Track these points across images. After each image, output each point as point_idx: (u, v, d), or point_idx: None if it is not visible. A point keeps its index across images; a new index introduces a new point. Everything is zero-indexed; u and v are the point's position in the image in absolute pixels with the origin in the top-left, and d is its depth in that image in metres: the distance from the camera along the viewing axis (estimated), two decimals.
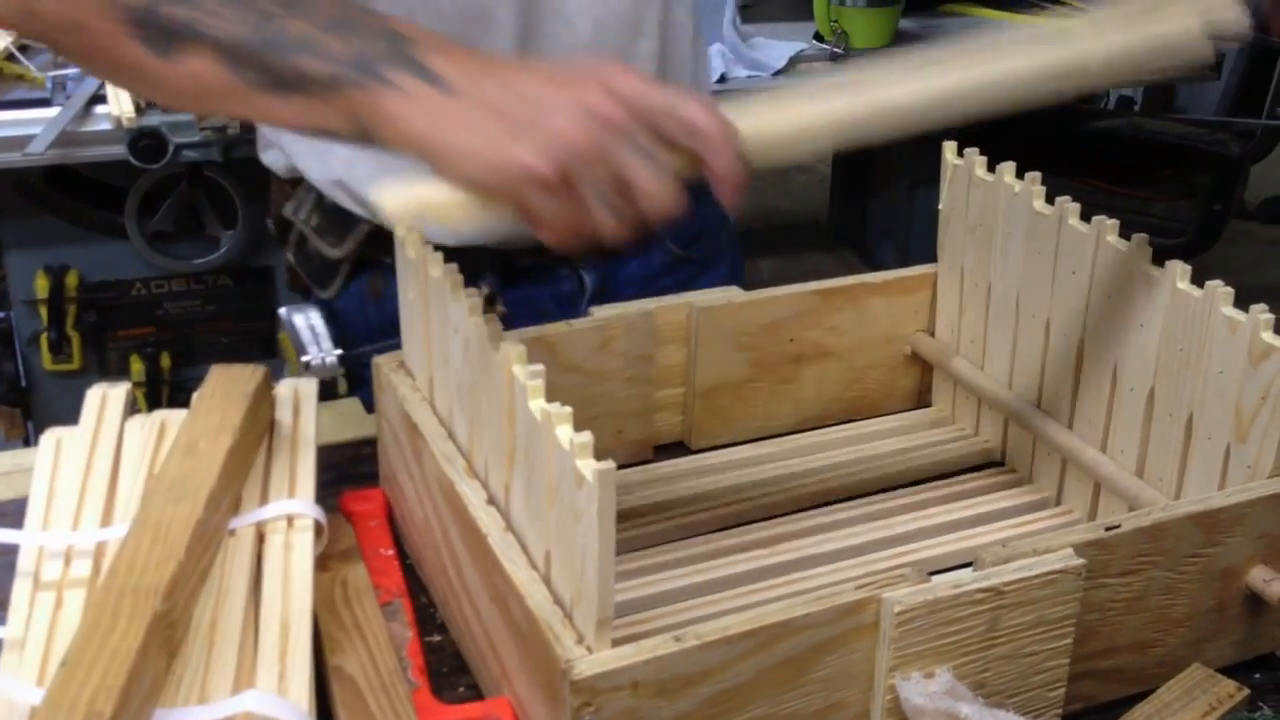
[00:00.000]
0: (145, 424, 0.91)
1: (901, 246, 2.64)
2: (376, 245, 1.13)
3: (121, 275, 2.08)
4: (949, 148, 1.05)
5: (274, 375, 0.95)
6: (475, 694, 0.82)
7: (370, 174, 1.00)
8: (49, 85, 1.92)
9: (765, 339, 1.05)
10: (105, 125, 1.85)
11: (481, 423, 0.79)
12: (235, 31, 0.78)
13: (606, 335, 0.99)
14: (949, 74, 0.76)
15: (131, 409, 0.94)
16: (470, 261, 1.12)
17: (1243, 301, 0.86)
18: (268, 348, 2.15)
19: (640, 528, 0.94)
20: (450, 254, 0.82)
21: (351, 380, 1.12)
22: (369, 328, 1.13)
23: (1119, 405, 0.94)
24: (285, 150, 1.16)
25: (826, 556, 0.92)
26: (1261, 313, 0.84)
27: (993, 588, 0.74)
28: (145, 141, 1.82)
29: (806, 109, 0.76)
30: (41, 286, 2.03)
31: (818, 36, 2.34)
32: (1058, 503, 1.00)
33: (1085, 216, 0.93)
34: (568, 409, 0.68)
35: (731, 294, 1.05)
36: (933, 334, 1.11)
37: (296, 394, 0.94)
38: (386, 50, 0.75)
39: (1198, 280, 0.87)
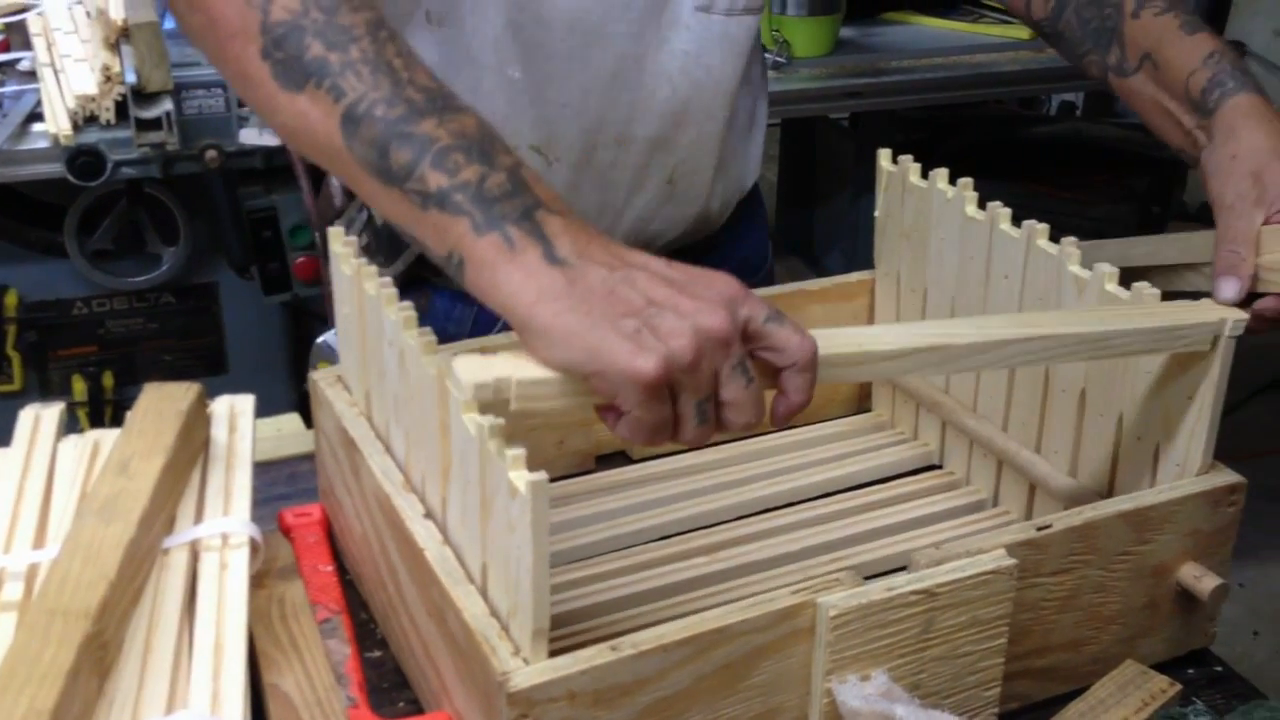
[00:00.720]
0: (79, 444, 0.90)
1: (848, 253, 2.65)
2: (425, 264, 1.12)
3: (62, 294, 2.05)
4: (884, 155, 1.06)
5: (222, 392, 0.94)
6: (415, 708, 0.82)
7: None
8: None
9: None
10: (42, 143, 1.82)
11: (418, 437, 0.79)
12: (366, 97, 0.73)
13: None
14: (1004, 327, 0.80)
15: (73, 429, 0.93)
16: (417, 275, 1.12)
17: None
18: (213, 365, 2.14)
19: (581, 538, 0.95)
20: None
21: None
22: None
23: (1051, 406, 0.95)
24: None
25: (766, 563, 0.92)
26: None
27: (926, 590, 0.74)
28: (83, 159, 1.80)
29: (876, 345, 0.76)
30: None
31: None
32: (995, 504, 1.01)
33: (1023, 220, 0.94)
34: (500, 421, 0.68)
35: None
36: None
37: (232, 410, 0.93)
38: (512, 197, 0.70)
39: (1130, 282, 0.88)
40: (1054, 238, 0.92)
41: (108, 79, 1.82)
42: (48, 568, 0.76)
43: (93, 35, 1.94)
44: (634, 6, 1.04)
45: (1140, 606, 0.86)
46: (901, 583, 0.75)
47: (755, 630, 0.72)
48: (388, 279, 0.81)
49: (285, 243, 1.99)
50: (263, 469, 1.02)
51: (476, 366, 0.68)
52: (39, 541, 0.82)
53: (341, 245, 0.87)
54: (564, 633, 0.83)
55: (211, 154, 1.85)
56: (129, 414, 0.88)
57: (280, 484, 1.05)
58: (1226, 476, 0.86)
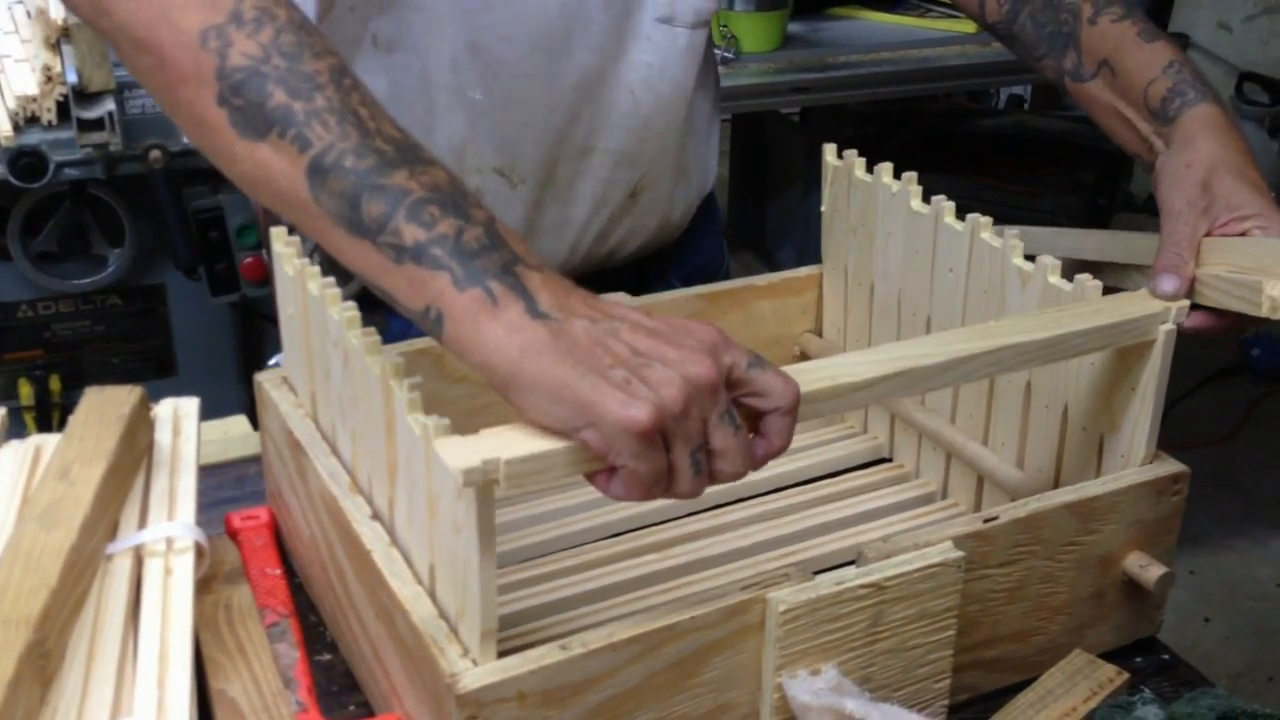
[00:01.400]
0: (20, 449, 0.88)
1: (800, 247, 2.66)
2: None
3: (6, 298, 2.02)
4: (829, 150, 1.06)
5: (171, 394, 0.93)
6: (366, 711, 0.81)
7: None
8: None
9: None
10: None
11: (363, 437, 0.79)
12: (334, 148, 0.70)
13: None
14: (965, 342, 0.80)
15: (20, 433, 0.92)
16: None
17: None
18: (161, 367, 2.11)
19: (529, 537, 0.94)
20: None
21: None
22: None
23: (998, 398, 0.95)
24: None
25: (717, 559, 0.92)
26: None
27: (874, 583, 0.75)
28: (25, 160, 1.78)
29: (848, 377, 0.76)
30: None
31: None
32: (944, 496, 1.02)
33: (968, 213, 0.95)
34: (445, 421, 0.68)
35: (619, 299, 1.05)
36: (820, 334, 1.12)
37: (176, 413, 0.92)
38: (490, 252, 0.68)
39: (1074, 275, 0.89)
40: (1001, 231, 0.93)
41: (49, 79, 1.79)
42: None
43: (33, 35, 1.91)
44: (597, 20, 1.04)
45: (1087, 596, 0.86)
46: (850, 577, 0.75)
47: (705, 627, 0.72)
48: (331, 280, 0.81)
49: (232, 243, 1.96)
50: (209, 472, 1.01)
51: (461, 449, 0.66)
52: None
53: (284, 245, 0.86)
54: (513, 633, 0.83)
55: (155, 154, 1.83)
56: (70, 419, 0.86)
57: (227, 487, 1.04)
58: (1170, 466, 0.87)
